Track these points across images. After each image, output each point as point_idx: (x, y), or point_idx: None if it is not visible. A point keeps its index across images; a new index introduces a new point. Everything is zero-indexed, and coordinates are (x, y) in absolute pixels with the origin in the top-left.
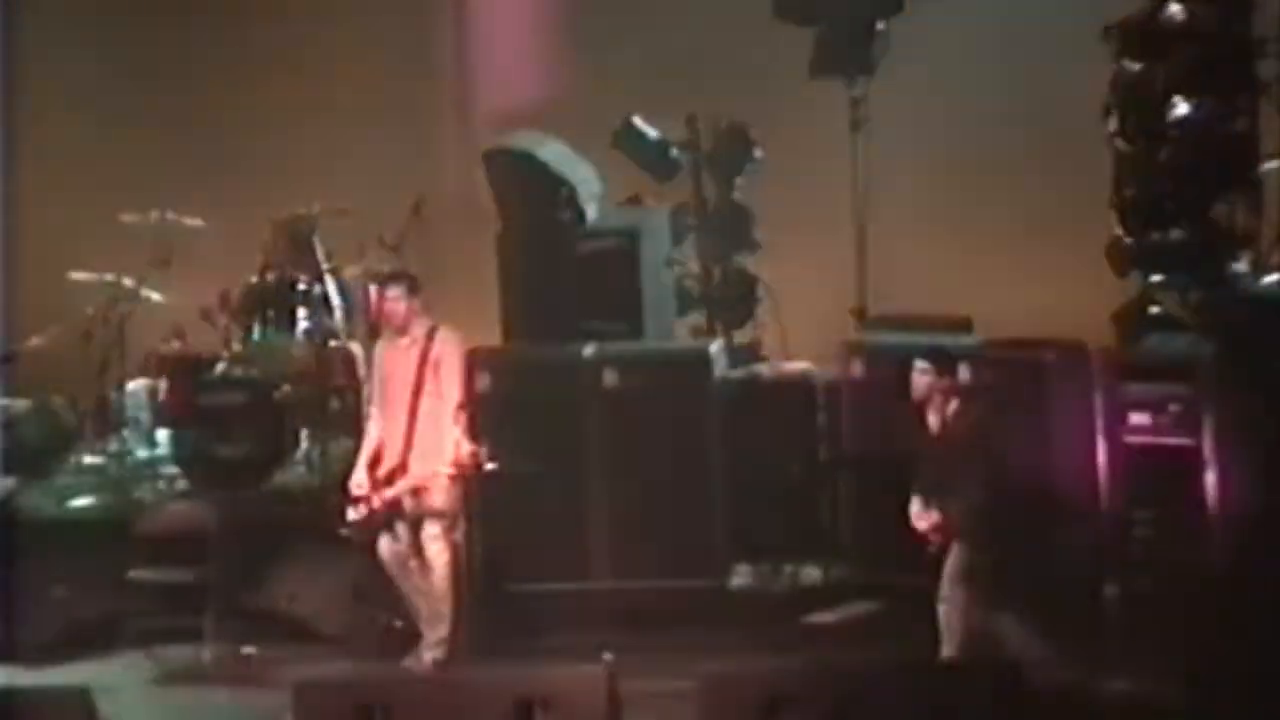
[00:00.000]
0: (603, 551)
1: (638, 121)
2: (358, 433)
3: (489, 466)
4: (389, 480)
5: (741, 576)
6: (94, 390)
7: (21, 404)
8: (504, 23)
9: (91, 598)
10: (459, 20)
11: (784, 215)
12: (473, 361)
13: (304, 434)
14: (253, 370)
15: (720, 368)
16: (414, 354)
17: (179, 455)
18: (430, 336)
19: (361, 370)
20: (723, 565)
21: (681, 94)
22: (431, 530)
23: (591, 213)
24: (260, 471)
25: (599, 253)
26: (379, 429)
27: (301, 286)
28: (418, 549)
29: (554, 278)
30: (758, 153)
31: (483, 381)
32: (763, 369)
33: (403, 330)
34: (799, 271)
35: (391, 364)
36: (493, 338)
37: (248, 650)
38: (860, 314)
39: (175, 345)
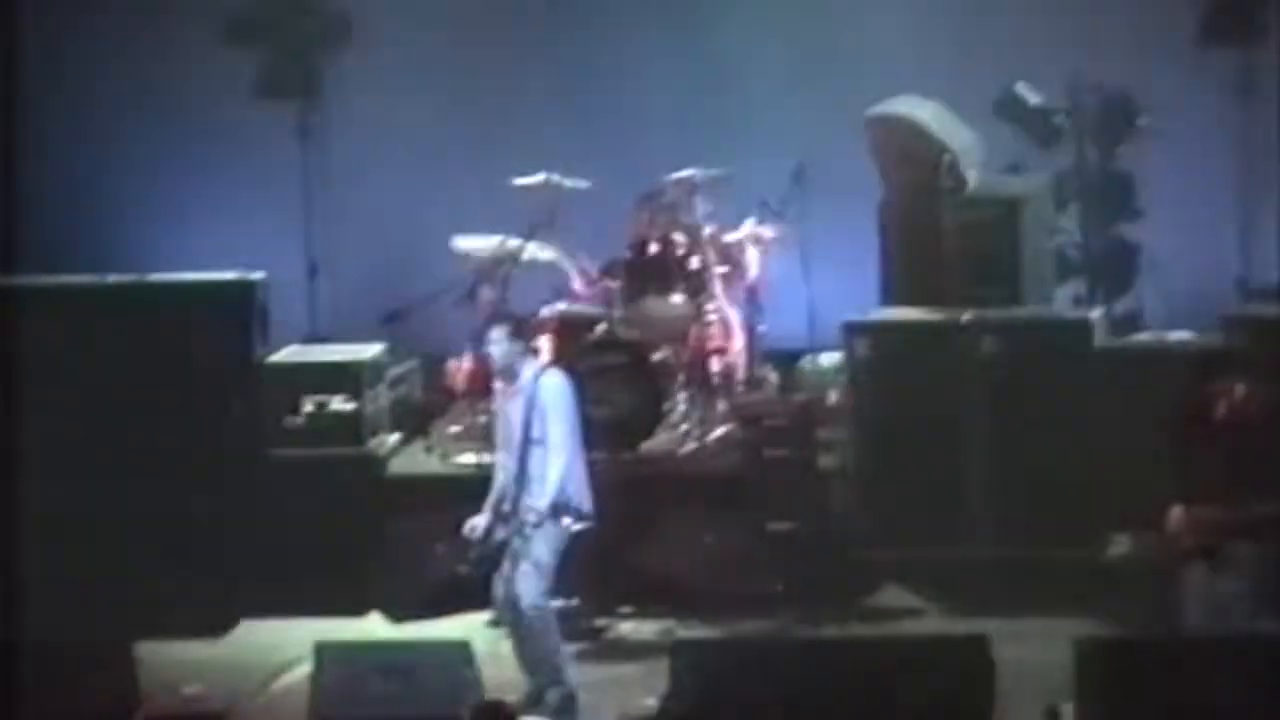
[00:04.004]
0: (980, 519)
1: (1021, 88)
2: (731, 395)
3: (575, 527)
4: (505, 523)
5: (1119, 546)
6: (477, 349)
7: (407, 361)
8: None
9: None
10: None
11: (1168, 183)
12: (850, 326)
13: (681, 396)
14: (632, 332)
15: (1100, 336)
16: (521, 399)
17: None
18: (535, 381)
19: (737, 335)
20: (1101, 535)
21: (1065, 60)
22: (525, 567)
23: (973, 180)
24: (637, 433)
25: (980, 220)
26: (501, 473)
27: (681, 251)
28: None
29: (934, 244)
30: (1142, 120)
31: (861, 348)
32: (1143, 338)
33: (508, 374)
34: (1182, 240)
35: (508, 407)
36: (871, 302)
37: (623, 610)
38: (1243, 285)
39: (558, 307)
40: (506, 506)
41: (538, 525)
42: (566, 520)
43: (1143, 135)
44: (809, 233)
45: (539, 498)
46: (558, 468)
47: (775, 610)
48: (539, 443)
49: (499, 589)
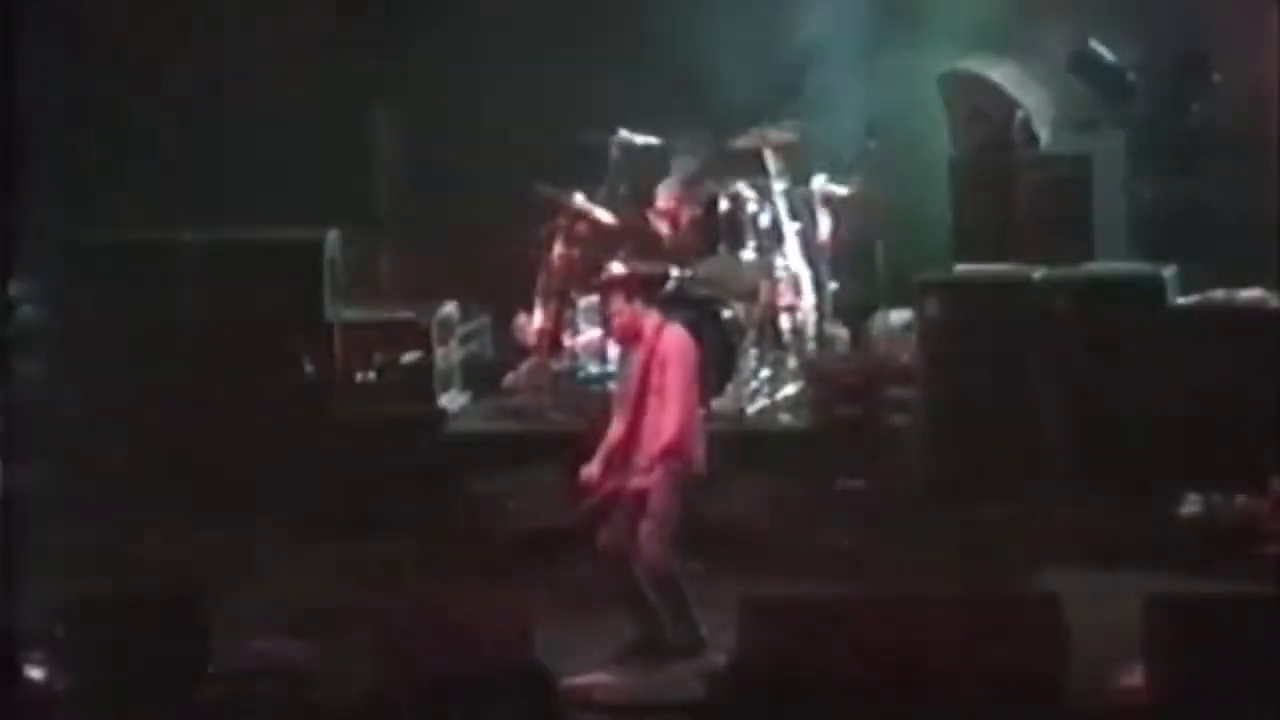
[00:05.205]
0: (1050, 477)
1: (1094, 45)
2: (802, 353)
3: (697, 468)
4: (615, 473)
5: (1192, 505)
6: (549, 306)
7: (478, 319)
8: None
9: (542, 510)
10: None
11: (1241, 140)
12: (921, 284)
13: (752, 353)
14: (702, 289)
15: (1173, 294)
16: (643, 350)
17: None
18: (658, 334)
19: (808, 293)
20: (1173, 493)
21: (1137, 17)
22: (647, 529)
23: (1045, 137)
24: (708, 389)
25: (1051, 177)
26: (616, 423)
27: (752, 207)
28: (635, 547)
29: (1006, 202)
30: (1216, 77)
31: (932, 306)
32: (1217, 296)
33: (635, 334)
34: (1254, 197)
35: (627, 359)
36: (942, 261)
37: (693, 566)
38: None
39: (627, 264)
40: (619, 457)
41: (648, 470)
42: (676, 465)
43: (1215, 92)
44: (880, 190)
45: (652, 445)
46: (672, 415)
47: (844, 568)
48: (655, 393)
49: (603, 538)
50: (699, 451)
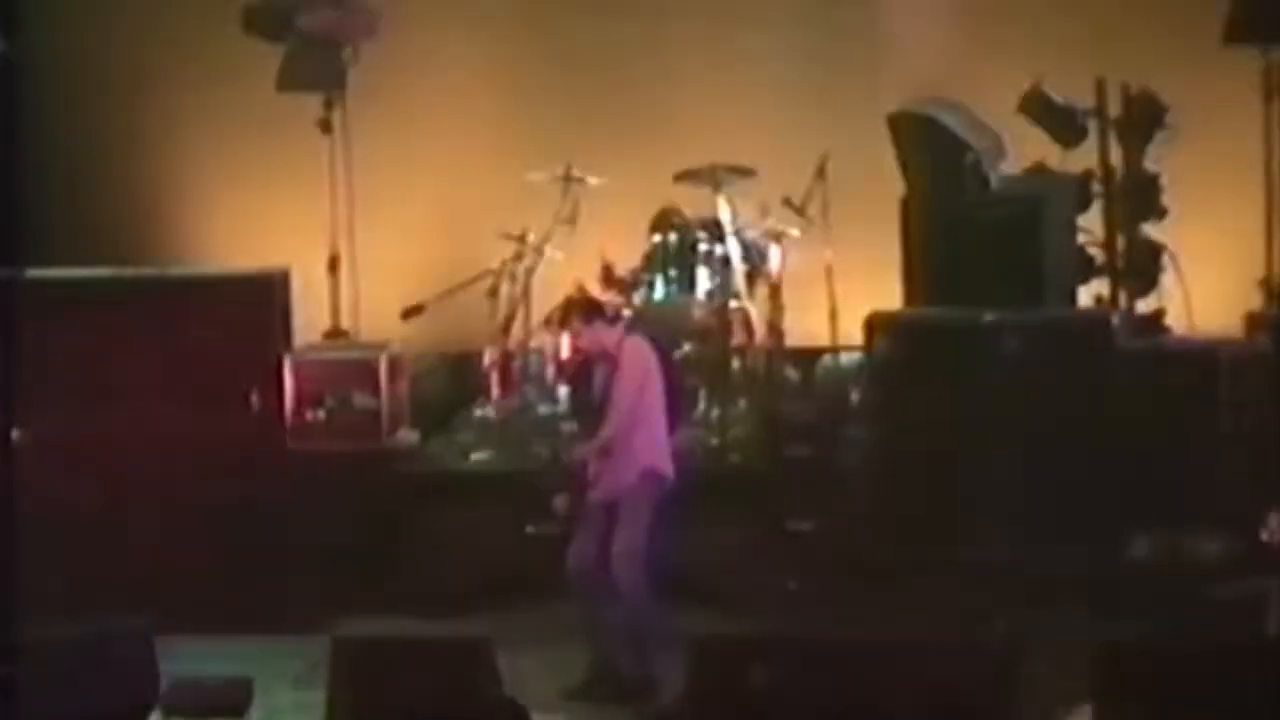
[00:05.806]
0: (1000, 519)
1: (1045, 87)
2: (753, 393)
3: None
4: (589, 487)
5: (1139, 548)
6: (498, 345)
7: (428, 357)
8: None
9: (489, 551)
10: None
11: (1192, 183)
12: (871, 324)
13: (702, 394)
14: (654, 329)
15: (1122, 337)
16: (609, 366)
17: (578, 412)
18: (619, 348)
19: (759, 332)
20: (1120, 537)
21: (1090, 59)
22: (617, 542)
23: (995, 179)
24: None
25: (1002, 219)
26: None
27: (703, 246)
28: (604, 563)
29: (956, 243)
30: (1168, 119)
31: (882, 346)
32: (1166, 339)
33: (600, 355)
34: (1206, 241)
35: (597, 379)
36: (893, 300)
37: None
38: (1268, 286)
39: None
40: (591, 474)
41: (606, 482)
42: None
43: (1167, 135)
44: (831, 230)
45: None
46: (612, 416)
47: (792, 609)
48: (613, 405)
49: (571, 555)
50: (663, 460)
